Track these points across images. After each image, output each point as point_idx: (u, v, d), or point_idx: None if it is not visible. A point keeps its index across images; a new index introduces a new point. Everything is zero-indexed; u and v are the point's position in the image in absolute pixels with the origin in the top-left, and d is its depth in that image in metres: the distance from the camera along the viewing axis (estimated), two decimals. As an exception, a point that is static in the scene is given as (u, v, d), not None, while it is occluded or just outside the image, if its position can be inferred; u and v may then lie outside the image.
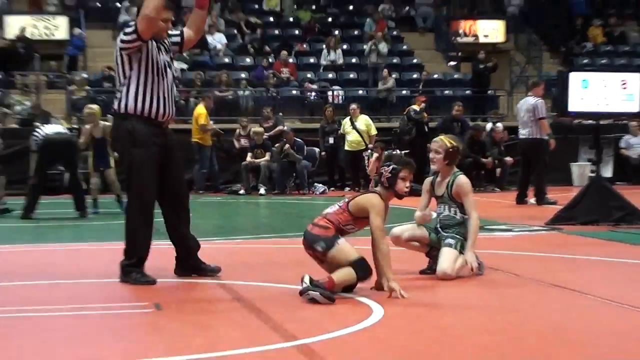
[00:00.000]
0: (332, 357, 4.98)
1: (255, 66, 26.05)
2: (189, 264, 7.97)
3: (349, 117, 20.95)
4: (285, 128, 21.12)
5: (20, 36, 25.25)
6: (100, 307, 6.68)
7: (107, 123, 14.45)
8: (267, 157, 20.27)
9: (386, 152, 20.08)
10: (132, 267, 7.65)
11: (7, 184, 15.53)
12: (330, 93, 24.82)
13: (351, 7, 30.43)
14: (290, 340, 5.38)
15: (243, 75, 25.34)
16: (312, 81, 25.65)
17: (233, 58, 26.65)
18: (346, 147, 20.77)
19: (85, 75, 24.50)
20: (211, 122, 20.66)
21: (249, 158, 20.33)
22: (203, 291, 7.29)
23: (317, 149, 20.90)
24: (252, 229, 13.43)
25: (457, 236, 7.94)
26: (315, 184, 20.60)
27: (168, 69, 7.75)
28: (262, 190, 19.89)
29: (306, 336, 5.45)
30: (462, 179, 8.03)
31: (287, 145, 20.09)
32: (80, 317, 6.39)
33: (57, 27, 26.32)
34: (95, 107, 15.44)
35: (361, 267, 6.82)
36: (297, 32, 28.70)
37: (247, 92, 24.50)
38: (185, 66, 25.29)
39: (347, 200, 7.13)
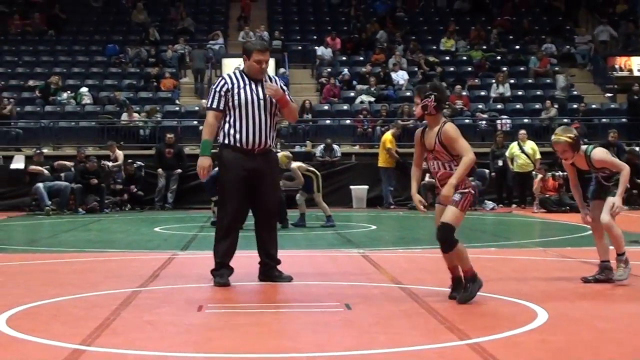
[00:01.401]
0: (501, 355, 4.81)
1: (433, 99, 25.90)
2: (267, 274, 7.95)
3: (516, 142, 20.63)
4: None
5: (235, 75, 25.94)
6: (298, 306, 6.70)
7: (300, 165, 15.26)
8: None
9: (549, 174, 19.71)
10: (215, 271, 7.75)
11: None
12: (498, 121, 24.50)
13: (517, 47, 30.02)
14: (464, 339, 5.24)
15: (422, 107, 25.27)
16: (483, 111, 25.39)
17: (414, 92, 26.57)
18: (515, 169, 20.40)
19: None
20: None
21: (427, 178, 20.18)
22: (386, 293, 7.21)
23: (487, 170, 20.59)
24: (430, 239, 13.24)
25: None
26: (486, 201, 20.29)
27: (260, 106, 7.71)
28: (437, 206, 19.66)
29: (478, 336, 5.31)
30: (594, 153, 7.52)
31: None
32: (280, 314, 6.43)
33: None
34: (283, 153, 15.29)
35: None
36: (469, 69, 28.45)
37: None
38: (372, 99, 25.47)
39: None
